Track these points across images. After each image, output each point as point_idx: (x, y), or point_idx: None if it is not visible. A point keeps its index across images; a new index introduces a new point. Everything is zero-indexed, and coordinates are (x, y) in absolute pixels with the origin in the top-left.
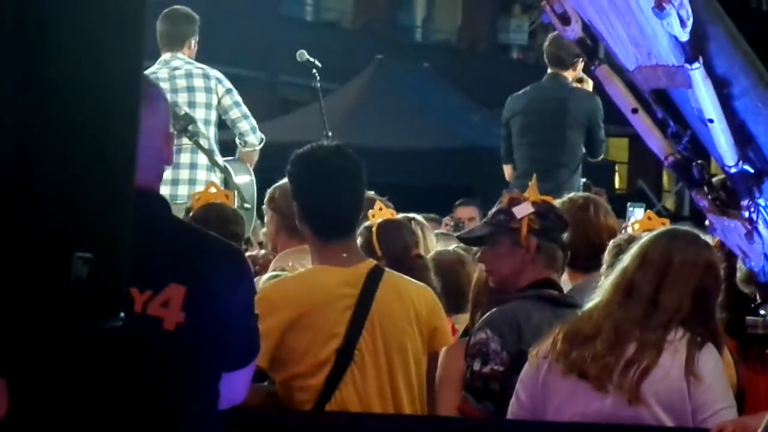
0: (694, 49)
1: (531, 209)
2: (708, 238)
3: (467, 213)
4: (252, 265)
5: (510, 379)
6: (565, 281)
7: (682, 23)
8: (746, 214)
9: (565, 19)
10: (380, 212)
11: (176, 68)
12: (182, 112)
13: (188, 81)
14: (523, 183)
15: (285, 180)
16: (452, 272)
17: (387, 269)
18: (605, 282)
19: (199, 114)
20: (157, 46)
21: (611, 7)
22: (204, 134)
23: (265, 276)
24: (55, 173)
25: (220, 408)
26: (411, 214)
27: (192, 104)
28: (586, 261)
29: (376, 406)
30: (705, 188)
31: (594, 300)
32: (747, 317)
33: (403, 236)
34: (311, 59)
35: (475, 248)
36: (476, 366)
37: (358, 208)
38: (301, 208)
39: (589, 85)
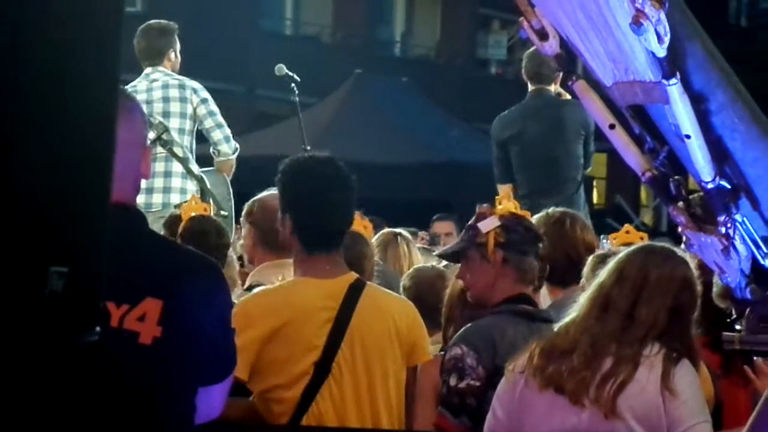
0: (672, 65)
1: (497, 223)
2: (686, 255)
3: (444, 228)
4: None
5: (486, 395)
6: (545, 296)
7: (660, 39)
8: (723, 230)
9: (542, 35)
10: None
11: (155, 80)
12: (156, 121)
13: (164, 91)
14: (531, 202)
15: (263, 193)
16: (432, 288)
17: (369, 283)
18: (582, 297)
19: (173, 123)
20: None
21: (589, 23)
22: (178, 143)
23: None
24: (31, 186)
25: (196, 422)
26: (397, 229)
27: (167, 114)
28: (564, 275)
29: (353, 420)
30: (682, 204)
31: (570, 315)
32: (723, 333)
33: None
34: (290, 73)
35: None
36: (452, 381)
37: (348, 221)
38: (290, 219)
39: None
